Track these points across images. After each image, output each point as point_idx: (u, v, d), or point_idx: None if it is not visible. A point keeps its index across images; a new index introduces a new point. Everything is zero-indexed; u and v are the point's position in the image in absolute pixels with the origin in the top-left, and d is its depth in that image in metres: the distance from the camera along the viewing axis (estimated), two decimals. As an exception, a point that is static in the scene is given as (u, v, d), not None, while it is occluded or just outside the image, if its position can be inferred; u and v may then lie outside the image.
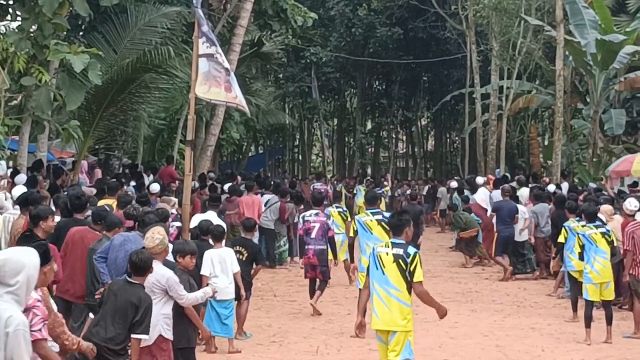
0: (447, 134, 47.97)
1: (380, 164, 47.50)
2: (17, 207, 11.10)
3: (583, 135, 29.07)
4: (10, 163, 15.90)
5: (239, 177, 22.09)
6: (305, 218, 13.55)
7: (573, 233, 12.67)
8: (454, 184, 24.62)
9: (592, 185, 20.23)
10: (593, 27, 25.32)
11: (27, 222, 9.60)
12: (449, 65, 39.81)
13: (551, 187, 19.70)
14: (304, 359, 10.28)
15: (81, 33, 20.56)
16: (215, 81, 11.15)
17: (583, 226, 12.02)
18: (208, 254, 10.01)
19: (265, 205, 18.14)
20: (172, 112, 23.89)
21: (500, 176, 23.54)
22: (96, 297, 7.78)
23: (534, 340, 11.57)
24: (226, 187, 18.83)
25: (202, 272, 9.79)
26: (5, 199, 12.01)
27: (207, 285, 9.27)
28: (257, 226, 13.84)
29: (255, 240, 13.75)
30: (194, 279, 8.68)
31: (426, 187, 32.13)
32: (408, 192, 27.23)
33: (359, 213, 19.31)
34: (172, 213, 11.74)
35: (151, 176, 19.48)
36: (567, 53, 25.72)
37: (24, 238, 7.64)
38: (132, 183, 17.28)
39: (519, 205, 17.31)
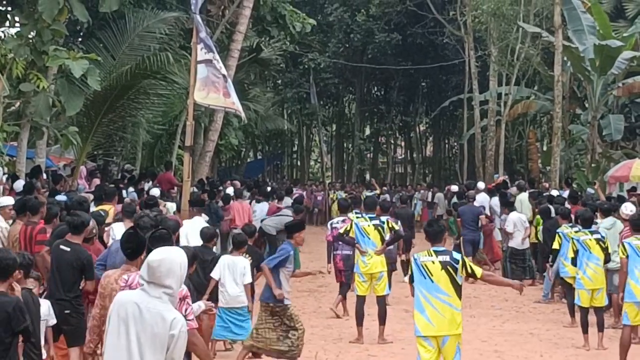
0: (446, 139, 47.90)
1: (379, 170, 47.44)
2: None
3: (581, 141, 29.03)
4: (6, 169, 15.86)
5: (237, 183, 22.05)
6: (333, 225, 14.13)
7: (567, 239, 12.61)
8: (454, 188, 24.56)
9: (590, 191, 20.18)
10: (591, 32, 25.30)
11: (134, 222, 9.03)
12: (447, 71, 39.79)
13: (554, 192, 19.56)
14: (303, 365, 10.25)
15: (80, 39, 20.60)
16: (214, 87, 11.19)
17: (577, 232, 12.02)
18: (223, 260, 10.18)
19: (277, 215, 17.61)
20: (170, 118, 23.85)
21: (501, 181, 23.47)
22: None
23: (532, 345, 11.57)
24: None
25: (211, 275, 10.01)
26: None
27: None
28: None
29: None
30: (196, 284, 8.71)
31: (429, 193, 31.89)
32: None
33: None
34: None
35: (150, 183, 19.44)
36: (565, 59, 25.73)
37: (156, 238, 6.46)
38: (131, 189, 17.24)
39: (520, 215, 17.24)
